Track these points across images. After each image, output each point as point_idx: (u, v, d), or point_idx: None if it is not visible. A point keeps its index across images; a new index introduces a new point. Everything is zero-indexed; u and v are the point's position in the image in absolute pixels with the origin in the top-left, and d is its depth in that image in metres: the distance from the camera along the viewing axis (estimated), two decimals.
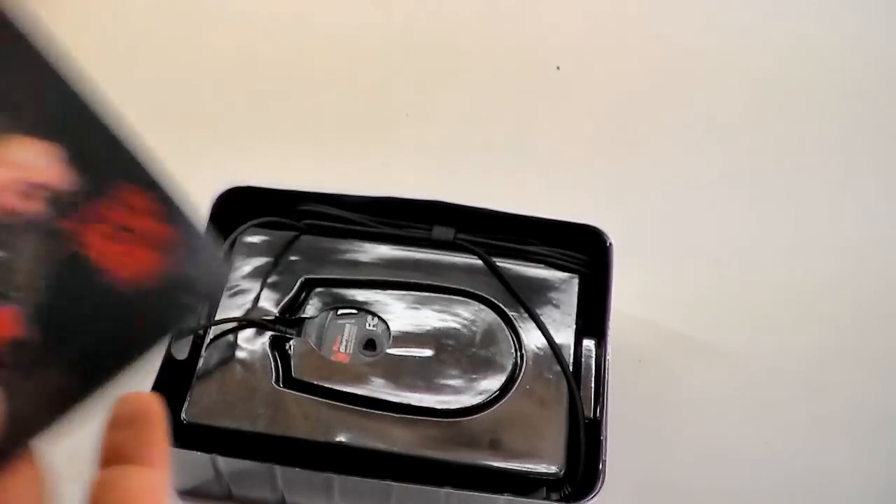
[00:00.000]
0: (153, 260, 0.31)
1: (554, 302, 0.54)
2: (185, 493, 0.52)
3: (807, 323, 0.62)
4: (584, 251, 0.55)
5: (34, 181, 0.29)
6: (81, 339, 0.30)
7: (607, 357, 0.51)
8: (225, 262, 0.32)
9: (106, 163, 0.30)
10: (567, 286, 0.54)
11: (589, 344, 0.53)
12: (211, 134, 0.70)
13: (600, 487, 0.45)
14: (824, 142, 0.71)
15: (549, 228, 0.56)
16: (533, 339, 0.52)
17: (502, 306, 0.53)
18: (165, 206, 0.31)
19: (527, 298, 0.54)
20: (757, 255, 0.65)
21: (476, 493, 0.46)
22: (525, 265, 0.55)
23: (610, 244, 0.54)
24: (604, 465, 0.46)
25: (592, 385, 0.52)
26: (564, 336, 0.52)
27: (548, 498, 0.47)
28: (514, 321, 0.53)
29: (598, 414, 0.50)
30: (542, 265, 0.55)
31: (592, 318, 0.54)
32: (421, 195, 0.56)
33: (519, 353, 0.52)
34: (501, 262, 0.55)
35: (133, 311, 0.31)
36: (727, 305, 0.63)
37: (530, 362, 0.51)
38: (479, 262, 0.55)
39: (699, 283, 0.64)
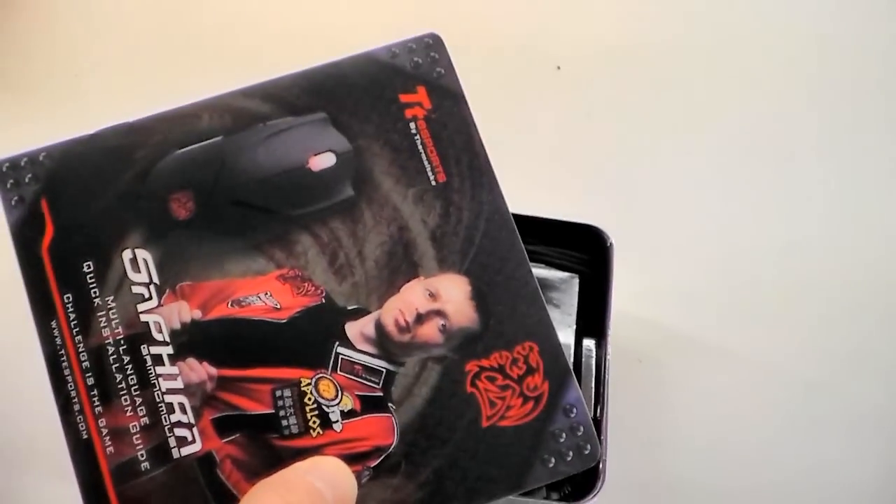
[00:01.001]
0: (526, 410, 0.34)
1: (554, 301, 0.54)
2: None
3: (807, 322, 0.62)
4: (585, 251, 0.55)
5: (444, 312, 0.34)
6: (439, 463, 0.33)
7: (608, 357, 0.51)
8: (599, 445, 0.34)
9: (514, 314, 0.35)
10: (567, 286, 0.54)
11: (589, 344, 0.53)
12: None
13: (600, 487, 0.45)
14: (825, 141, 0.71)
15: (549, 228, 0.55)
16: None
17: None
18: (549, 361, 0.35)
19: None
20: (757, 255, 0.65)
21: None
22: None
23: (611, 244, 0.54)
24: (604, 465, 0.46)
25: (593, 385, 0.52)
26: (564, 336, 0.52)
27: (548, 497, 0.47)
28: None
29: (598, 413, 0.50)
30: (542, 265, 0.55)
31: (593, 318, 0.54)
32: None
33: None
34: None
35: (494, 454, 0.33)
36: (728, 305, 0.63)
37: None
38: None
39: (699, 283, 0.64)
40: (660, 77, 0.74)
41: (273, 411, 0.33)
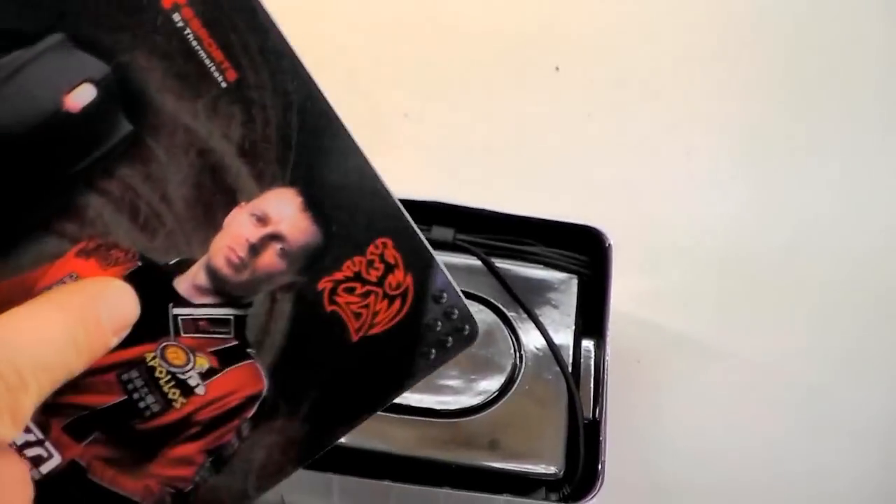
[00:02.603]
0: (393, 311, 0.31)
1: (553, 302, 0.54)
2: None
3: (807, 324, 0.62)
4: (584, 252, 0.55)
5: (280, 234, 0.30)
6: (317, 392, 0.31)
7: (606, 358, 0.51)
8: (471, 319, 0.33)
9: (356, 213, 0.31)
10: (566, 287, 0.54)
11: (588, 344, 0.53)
12: None
13: (599, 488, 0.46)
14: (826, 142, 0.71)
15: (548, 229, 0.56)
16: (532, 339, 0.52)
17: (501, 307, 0.53)
18: (407, 253, 0.31)
19: (526, 299, 0.53)
20: (757, 256, 0.65)
21: (475, 494, 0.46)
22: (524, 266, 0.55)
23: (609, 245, 0.54)
24: (603, 466, 0.46)
25: (592, 386, 0.52)
26: (563, 337, 0.52)
27: (547, 498, 0.48)
28: (513, 322, 0.53)
29: (597, 414, 0.50)
30: (541, 266, 0.55)
31: (591, 319, 0.54)
32: (420, 196, 0.56)
33: (518, 354, 0.52)
34: (500, 263, 0.55)
35: (371, 365, 0.31)
36: (727, 306, 0.63)
37: (529, 363, 0.51)
38: (479, 262, 0.55)
39: (699, 284, 0.64)
40: (660, 77, 0.74)
41: (126, 397, 0.30)
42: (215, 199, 0.29)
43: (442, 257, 0.55)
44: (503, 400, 0.50)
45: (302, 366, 0.31)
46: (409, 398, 0.49)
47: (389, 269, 0.31)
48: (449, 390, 0.50)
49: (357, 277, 0.31)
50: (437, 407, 0.49)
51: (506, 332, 0.52)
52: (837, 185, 0.69)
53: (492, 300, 0.53)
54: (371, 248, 0.31)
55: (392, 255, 0.31)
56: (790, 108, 0.73)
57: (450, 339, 0.32)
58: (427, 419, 0.49)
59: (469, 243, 0.56)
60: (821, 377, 0.60)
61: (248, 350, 0.30)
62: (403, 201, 0.55)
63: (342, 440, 0.47)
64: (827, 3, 0.78)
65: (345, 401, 0.31)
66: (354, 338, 0.31)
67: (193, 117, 0.29)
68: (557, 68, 0.74)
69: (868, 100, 0.73)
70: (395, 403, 0.48)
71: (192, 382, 0.30)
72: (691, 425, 0.58)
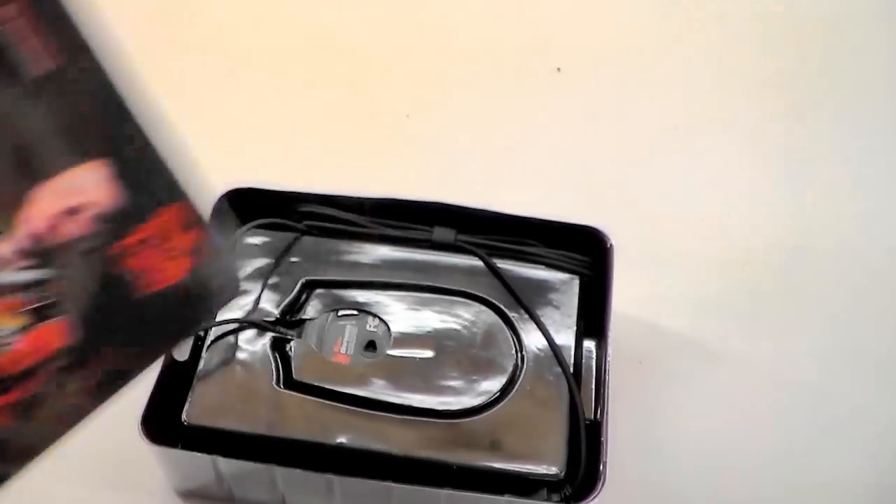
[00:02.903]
0: (183, 266, 0.36)
1: (554, 303, 0.54)
2: (186, 494, 0.52)
3: (809, 325, 0.62)
4: (585, 252, 0.55)
5: (85, 204, 0.33)
6: (118, 340, 0.35)
7: (608, 359, 0.51)
8: (238, 266, 0.37)
9: (150, 180, 0.34)
10: (567, 287, 0.54)
11: (589, 345, 0.53)
12: (210, 134, 0.69)
13: (601, 489, 0.45)
14: (828, 143, 0.71)
15: (549, 230, 0.56)
16: (533, 340, 0.52)
17: (503, 308, 0.53)
18: (195, 213, 0.35)
19: (527, 300, 0.54)
20: (759, 256, 0.65)
21: (477, 495, 0.46)
22: (526, 266, 0.55)
23: (611, 245, 0.54)
24: (604, 467, 0.46)
25: (593, 386, 0.52)
26: (565, 337, 0.52)
27: (549, 499, 0.47)
28: (515, 322, 0.53)
29: (598, 415, 0.50)
30: (542, 266, 0.55)
31: (593, 320, 0.54)
32: (422, 196, 0.56)
33: (519, 355, 0.52)
34: (502, 264, 0.55)
35: (162, 315, 0.36)
36: (729, 307, 0.63)
37: (531, 363, 0.51)
38: (480, 263, 0.55)
39: (700, 285, 0.64)
40: (660, 77, 0.75)
41: None
42: (21, 173, 0.31)
43: (444, 258, 0.55)
44: (504, 401, 0.50)
45: (104, 319, 0.35)
46: (410, 399, 0.49)
47: (177, 231, 0.35)
48: (450, 391, 0.50)
49: (148, 240, 0.35)
50: (439, 408, 0.49)
51: (507, 332, 0.52)
52: (841, 186, 0.69)
53: (493, 301, 0.54)
54: (162, 213, 0.35)
55: (178, 219, 0.35)
56: (793, 108, 0.73)
57: (224, 291, 0.38)
58: (428, 420, 0.49)
59: (470, 244, 0.56)
60: (823, 379, 0.60)
61: (55, 311, 0.33)
62: (405, 202, 0.56)
63: (343, 441, 0.47)
64: (827, 3, 0.78)
65: (141, 346, 0.37)
66: (148, 292, 0.35)
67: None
68: (559, 69, 0.74)
69: (873, 99, 0.73)
70: (396, 404, 0.49)
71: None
72: (693, 427, 0.57)
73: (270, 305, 0.53)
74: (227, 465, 0.48)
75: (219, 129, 0.71)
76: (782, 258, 0.65)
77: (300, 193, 0.57)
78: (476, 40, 0.76)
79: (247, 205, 0.56)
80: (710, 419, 0.58)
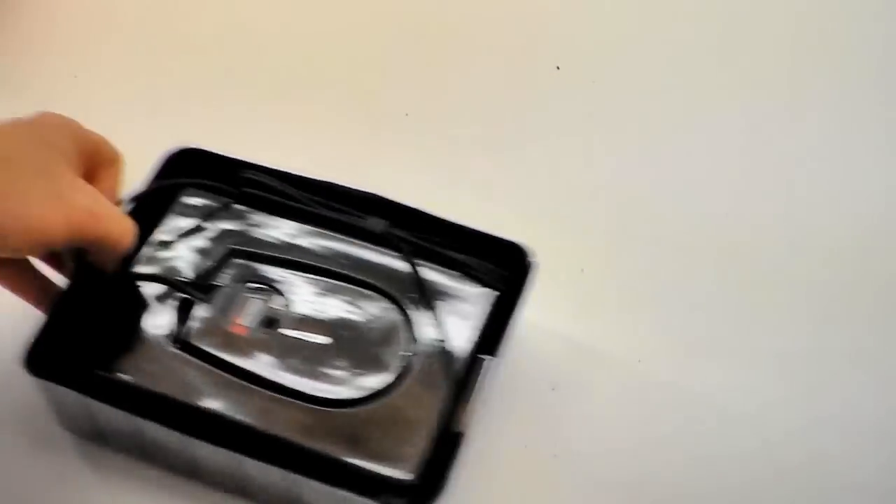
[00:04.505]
0: None
1: (462, 313, 0.53)
2: (72, 430, 0.54)
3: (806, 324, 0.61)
4: (507, 267, 0.54)
5: None
6: None
7: (496, 376, 0.50)
8: None
9: None
10: (480, 300, 0.53)
11: (486, 360, 0.52)
12: (211, 134, 0.67)
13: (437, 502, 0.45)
14: (828, 144, 0.70)
15: (479, 240, 0.55)
16: (430, 346, 0.51)
17: (409, 308, 0.53)
18: None
19: (436, 304, 0.53)
20: (759, 256, 0.64)
21: (319, 484, 0.46)
22: (447, 272, 0.54)
23: (530, 262, 0.53)
24: (448, 481, 0.45)
25: (474, 401, 0.50)
26: (461, 348, 0.51)
27: (388, 502, 0.47)
28: (416, 325, 0.52)
29: (467, 430, 0.49)
30: (463, 275, 0.54)
31: (496, 336, 0.52)
32: (417, 195, 0.56)
33: (411, 358, 0.51)
34: (424, 265, 0.55)
35: None
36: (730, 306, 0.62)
37: (419, 368, 0.51)
38: (406, 265, 0.55)
39: (702, 286, 0.63)
40: (661, 77, 0.73)
41: None
42: None
43: (371, 251, 0.55)
44: (382, 399, 0.49)
45: None
46: (288, 379, 0.50)
47: None
48: (332, 379, 0.50)
49: None
50: (313, 393, 0.49)
51: (406, 333, 0.52)
52: (843, 186, 0.68)
53: (401, 300, 0.53)
54: None
55: None
56: (795, 108, 0.71)
57: None
58: (298, 402, 0.49)
59: (399, 239, 0.55)
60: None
61: None
62: (347, 188, 0.56)
63: (210, 407, 0.48)
64: (827, 3, 0.75)
65: None
66: None
67: None
68: (558, 67, 0.73)
69: (871, 97, 0.71)
70: (272, 382, 0.49)
71: None
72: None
73: (189, 266, 0.54)
74: (99, 409, 0.49)
75: (219, 129, 0.70)
76: (783, 258, 0.64)
77: (248, 162, 0.58)
78: (476, 38, 0.75)
79: (194, 165, 0.58)
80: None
